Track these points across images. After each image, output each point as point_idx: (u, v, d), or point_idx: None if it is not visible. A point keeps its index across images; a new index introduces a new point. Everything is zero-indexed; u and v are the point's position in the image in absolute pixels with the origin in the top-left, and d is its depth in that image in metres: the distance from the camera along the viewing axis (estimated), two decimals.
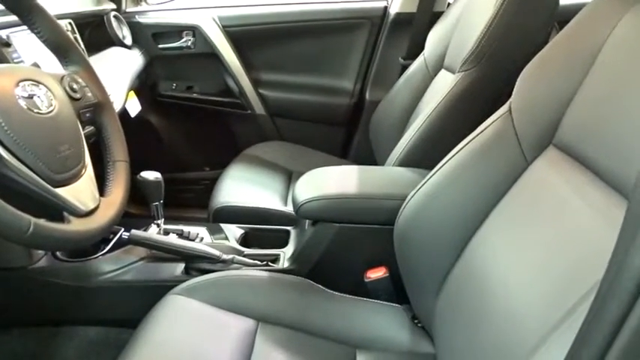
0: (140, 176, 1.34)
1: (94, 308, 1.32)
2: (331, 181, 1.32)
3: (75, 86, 0.94)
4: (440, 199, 1.06)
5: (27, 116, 0.80)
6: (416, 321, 1.16)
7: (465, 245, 1.01)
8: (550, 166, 0.91)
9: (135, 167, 1.14)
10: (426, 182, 1.10)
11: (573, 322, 0.67)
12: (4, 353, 1.33)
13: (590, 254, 0.73)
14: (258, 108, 2.27)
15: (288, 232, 1.49)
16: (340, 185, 1.29)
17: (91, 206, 0.85)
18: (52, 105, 0.85)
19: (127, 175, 1.00)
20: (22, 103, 0.80)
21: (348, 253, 1.27)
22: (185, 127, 2.40)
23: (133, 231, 1.27)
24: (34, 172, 0.77)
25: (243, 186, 1.73)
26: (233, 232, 1.47)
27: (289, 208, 1.59)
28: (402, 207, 1.13)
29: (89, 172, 0.90)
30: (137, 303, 1.15)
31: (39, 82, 0.85)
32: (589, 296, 0.66)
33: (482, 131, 1.04)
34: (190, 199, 2.43)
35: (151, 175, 1.34)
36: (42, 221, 0.74)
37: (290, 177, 1.89)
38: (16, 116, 0.78)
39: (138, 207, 2.14)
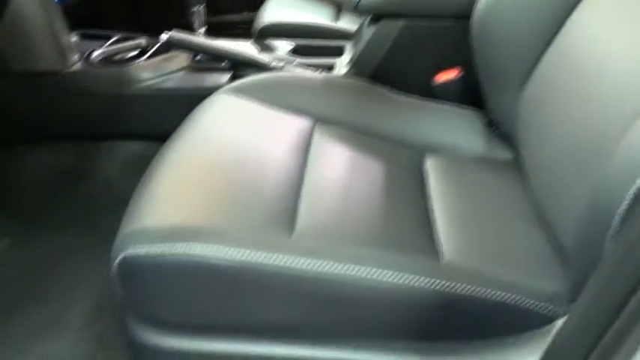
0: None
1: (134, 120, 1.23)
2: None
3: None
4: None
5: None
6: (491, 127, 1.03)
7: (557, 30, 0.87)
8: None
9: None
10: None
11: None
12: (44, 167, 1.28)
13: None
14: None
15: (341, 48, 1.34)
16: None
17: None
18: None
19: None
20: None
21: (415, 53, 1.12)
22: None
23: (173, 32, 1.14)
24: None
25: (290, 6, 1.57)
26: (282, 47, 1.33)
27: (342, 24, 1.43)
28: None
29: None
30: (179, 114, 1.05)
31: None
32: None
33: None
34: None
35: None
36: None
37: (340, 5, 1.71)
38: None
39: None
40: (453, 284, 0.62)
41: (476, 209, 0.82)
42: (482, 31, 0.98)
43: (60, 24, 1.20)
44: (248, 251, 0.62)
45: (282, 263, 0.61)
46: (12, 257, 1.16)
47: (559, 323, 0.60)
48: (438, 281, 0.62)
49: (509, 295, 0.63)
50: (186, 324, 0.69)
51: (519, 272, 0.68)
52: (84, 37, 1.39)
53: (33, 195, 1.26)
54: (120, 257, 0.65)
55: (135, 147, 1.28)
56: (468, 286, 0.63)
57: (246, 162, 0.81)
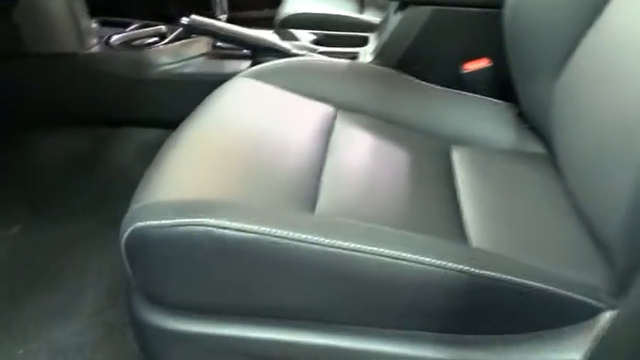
0: None
1: (151, 105, 1.20)
2: None
3: None
4: None
5: None
6: (521, 120, 0.99)
7: (594, 16, 0.81)
8: None
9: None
10: None
11: None
12: (59, 152, 1.26)
13: None
14: None
15: (365, 39, 1.30)
16: None
17: None
18: None
19: None
20: None
21: (443, 41, 1.08)
22: None
23: (194, 16, 1.12)
24: None
25: None
26: (304, 37, 1.30)
27: (366, 16, 1.40)
28: None
29: None
30: (197, 100, 1.02)
31: None
32: None
33: None
34: None
35: None
36: None
37: None
38: None
39: None
40: (483, 269, 0.58)
41: (506, 200, 0.78)
42: (515, 19, 0.93)
43: (79, 6, 1.19)
44: (266, 225, 0.57)
45: (302, 239, 0.57)
46: (23, 243, 1.14)
47: (606, 316, 0.56)
48: (466, 265, 0.58)
49: (543, 285, 0.58)
50: (196, 304, 0.64)
51: (554, 262, 0.63)
52: (104, 23, 1.37)
53: (46, 180, 1.24)
54: (129, 230, 0.60)
55: (150, 134, 1.26)
56: (499, 273, 0.58)
57: (264, 145, 0.77)
